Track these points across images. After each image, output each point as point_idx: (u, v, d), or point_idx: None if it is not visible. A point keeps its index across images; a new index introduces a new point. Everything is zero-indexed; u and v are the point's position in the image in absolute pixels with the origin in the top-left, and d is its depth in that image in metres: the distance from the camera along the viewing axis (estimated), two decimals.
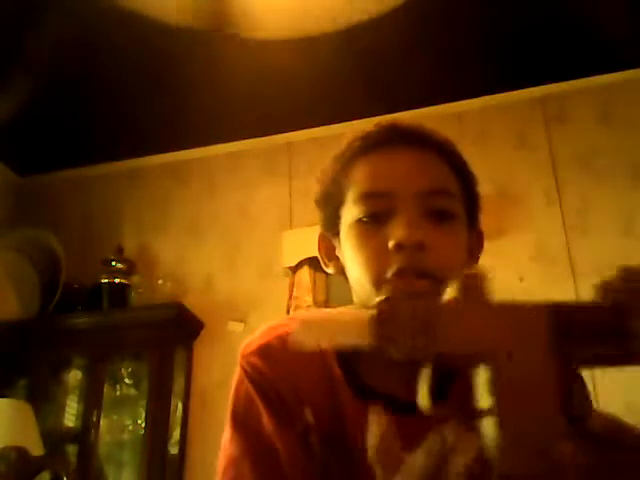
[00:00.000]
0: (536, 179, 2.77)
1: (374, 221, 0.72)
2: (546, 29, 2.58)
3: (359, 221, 0.73)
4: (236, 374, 0.79)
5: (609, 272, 0.48)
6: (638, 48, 2.67)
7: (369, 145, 0.77)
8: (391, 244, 0.69)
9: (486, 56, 2.71)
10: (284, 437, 0.72)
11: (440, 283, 0.68)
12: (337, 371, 0.75)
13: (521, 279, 2.56)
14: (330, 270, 0.81)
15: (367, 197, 0.73)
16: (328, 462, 0.72)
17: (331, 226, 0.79)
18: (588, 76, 2.83)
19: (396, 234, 0.69)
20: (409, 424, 0.71)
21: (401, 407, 0.72)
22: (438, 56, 2.68)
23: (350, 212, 0.75)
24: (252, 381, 0.75)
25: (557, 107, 2.89)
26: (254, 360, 0.76)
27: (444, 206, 0.72)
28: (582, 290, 2.56)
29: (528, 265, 2.62)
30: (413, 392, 0.73)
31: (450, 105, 2.91)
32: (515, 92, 2.92)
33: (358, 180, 0.75)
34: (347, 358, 0.76)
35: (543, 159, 2.81)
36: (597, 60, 2.75)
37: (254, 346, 0.78)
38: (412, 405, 0.72)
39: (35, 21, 2.42)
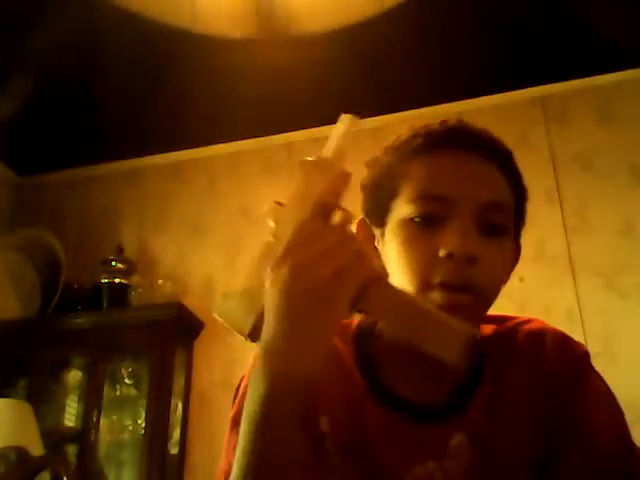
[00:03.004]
0: (536, 179, 2.75)
1: (426, 224, 0.70)
2: (546, 29, 2.58)
3: (411, 220, 0.71)
4: (243, 376, 0.77)
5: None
6: (638, 48, 2.67)
7: (433, 144, 0.75)
8: (442, 252, 0.67)
9: (486, 56, 2.70)
10: None
11: (481, 297, 0.68)
12: (359, 377, 0.74)
13: (521, 279, 2.56)
14: None
15: (424, 198, 0.71)
16: (346, 471, 0.70)
17: (377, 217, 0.77)
18: (588, 76, 2.83)
19: (449, 243, 0.67)
20: (428, 432, 0.70)
21: (421, 413, 0.71)
22: (438, 56, 2.68)
23: (402, 208, 0.73)
24: None
25: (557, 107, 2.89)
26: None
27: (499, 221, 0.71)
28: (582, 290, 2.56)
29: (528, 265, 2.62)
30: (433, 397, 0.72)
31: (450, 105, 2.91)
32: (515, 92, 2.92)
33: (417, 178, 0.73)
34: (368, 364, 0.75)
35: (543, 159, 2.80)
36: (597, 60, 2.75)
37: None
38: (431, 411, 0.72)
39: (35, 21, 2.42)
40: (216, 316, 0.59)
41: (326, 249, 0.54)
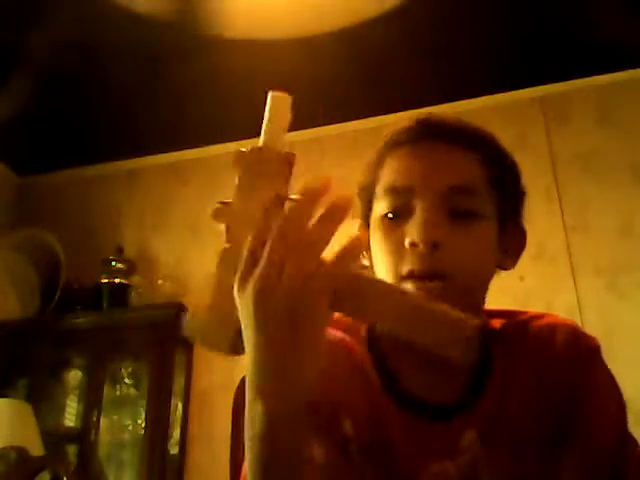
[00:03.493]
0: (536, 179, 2.77)
1: (396, 217, 0.72)
2: (546, 29, 2.58)
3: (384, 217, 0.73)
4: None
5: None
6: (638, 48, 2.67)
7: (400, 140, 0.77)
8: (406, 242, 0.69)
9: (486, 56, 2.70)
10: (323, 445, 0.69)
11: (453, 282, 0.68)
12: (375, 378, 0.74)
13: (521, 278, 2.56)
14: (366, 262, 0.80)
15: (390, 193, 0.73)
16: (367, 472, 0.70)
17: (365, 218, 0.79)
18: (588, 76, 2.83)
19: (411, 232, 0.69)
20: (441, 430, 0.70)
21: (433, 412, 0.71)
22: (438, 56, 2.68)
23: (377, 207, 0.75)
24: None
25: (557, 107, 2.89)
26: None
27: (466, 206, 0.71)
28: (582, 289, 2.56)
29: (528, 264, 2.62)
30: (444, 395, 0.72)
31: (450, 105, 2.91)
32: (515, 92, 2.92)
33: (385, 175, 0.76)
34: (383, 363, 0.75)
35: (543, 159, 2.80)
36: (597, 60, 2.75)
37: None
38: (443, 409, 0.72)
39: (35, 21, 2.42)
40: (189, 336, 0.56)
41: (288, 258, 0.50)
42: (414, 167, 0.74)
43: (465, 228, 0.70)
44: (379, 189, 0.75)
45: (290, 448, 0.54)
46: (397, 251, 0.70)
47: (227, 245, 0.55)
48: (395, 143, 0.77)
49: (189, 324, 0.55)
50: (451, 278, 0.68)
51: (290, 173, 0.56)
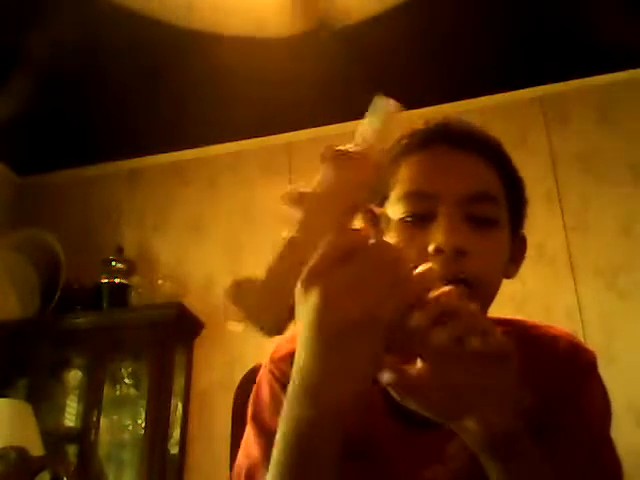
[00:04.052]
0: (536, 179, 2.77)
1: (416, 222, 0.71)
2: (546, 29, 2.58)
3: (401, 220, 0.72)
4: (262, 377, 0.78)
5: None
6: (638, 48, 2.67)
7: (416, 144, 0.76)
8: (431, 248, 0.68)
9: (486, 56, 2.70)
10: None
11: (476, 289, 0.68)
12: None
13: (521, 279, 2.56)
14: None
15: (410, 197, 0.73)
16: (351, 476, 0.69)
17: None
18: (588, 76, 2.83)
19: (436, 238, 0.68)
20: (430, 438, 0.70)
21: (422, 421, 0.72)
22: (438, 56, 2.68)
23: (393, 210, 0.74)
24: (283, 387, 0.72)
25: (557, 107, 2.89)
26: (284, 367, 0.75)
27: (487, 212, 0.72)
28: (582, 290, 2.56)
29: (528, 265, 2.62)
30: None
31: (450, 105, 2.91)
32: (515, 92, 2.92)
33: (403, 179, 0.74)
34: None
35: (543, 159, 2.81)
36: (597, 60, 2.75)
37: (284, 351, 0.76)
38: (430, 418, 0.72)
39: (35, 21, 2.42)
40: (237, 307, 0.51)
41: (360, 276, 0.49)
42: (436, 173, 0.73)
43: (486, 235, 0.71)
44: (396, 192, 0.74)
45: (327, 448, 0.54)
46: (419, 257, 0.69)
47: (296, 234, 0.52)
48: (411, 147, 0.76)
49: (239, 296, 0.52)
50: (476, 285, 0.68)
51: (375, 180, 0.55)
